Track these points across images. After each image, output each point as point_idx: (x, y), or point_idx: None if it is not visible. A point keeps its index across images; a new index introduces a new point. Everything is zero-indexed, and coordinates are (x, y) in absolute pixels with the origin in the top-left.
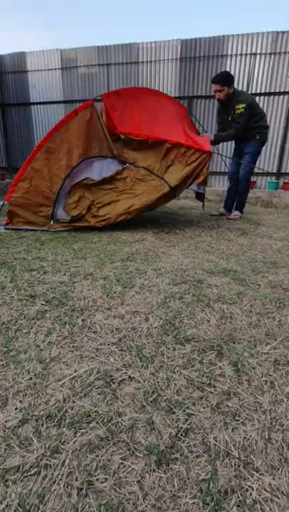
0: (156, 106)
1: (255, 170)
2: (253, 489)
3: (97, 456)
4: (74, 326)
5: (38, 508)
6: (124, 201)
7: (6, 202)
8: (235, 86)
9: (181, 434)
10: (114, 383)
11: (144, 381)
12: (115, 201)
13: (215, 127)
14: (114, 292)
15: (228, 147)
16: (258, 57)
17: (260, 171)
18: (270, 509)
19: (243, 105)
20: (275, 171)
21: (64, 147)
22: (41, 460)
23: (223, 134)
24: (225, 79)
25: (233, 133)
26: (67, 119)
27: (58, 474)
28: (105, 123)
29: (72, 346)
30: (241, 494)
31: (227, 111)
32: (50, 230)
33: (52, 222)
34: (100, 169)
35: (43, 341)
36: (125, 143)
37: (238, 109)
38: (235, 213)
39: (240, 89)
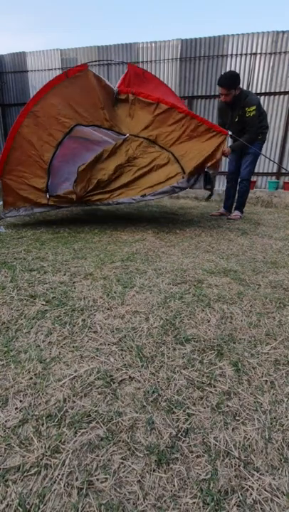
0: (168, 93)
1: (262, 170)
2: (253, 489)
3: (97, 456)
4: (74, 326)
5: (39, 508)
6: (126, 175)
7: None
8: None
9: (181, 434)
10: (114, 383)
11: (145, 381)
12: (119, 176)
13: None
14: (115, 292)
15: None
16: (258, 57)
17: (261, 171)
18: (270, 509)
19: (254, 107)
20: (275, 171)
21: (53, 112)
22: (41, 460)
23: (239, 143)
24: (232, 82)
25: (248, 137)
26: (56, 81)
27: (58, 474)
28: (118, 85)
29: (73, 346)
30: (241, 494)
31: (232, 112)
32: (50, 209)
33: (48, 196)
34: (97, 143)
35: (43, 341)
36: (128, 110)
37: (250, 111)
38: (236, 213)
39: None
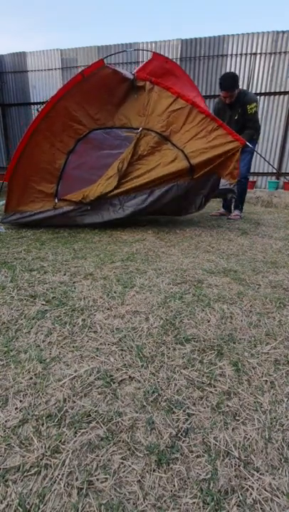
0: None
1: (262, 170)
2: (253, 489)
3: (97, 456)
4: (74, 325)
5: (39, 508)
6: (133, 173)
7: (5, 182)
8: None
9: (181, 434)
10: (114, 383)
11: (145, 381)
12: (130, 172)
13: None
14: (115, 292)
15: None
16: (258, 57)
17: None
18: (270, 509)
19: (255, 103)
20: (275, 170)
21: (67, 117)
22: (41, 460)
23: (245, 137)
24: (235, 83)
25: (251, 133)
26: (72, 83)
27: (58, 474)
28: (137, 70)
29: (73, 346)
30: (241, 494)
31: (232, 111)
32: (56, 213)
33: (56, 201)
34: (110, 148)
35: (44, 341)
36: (144, 100)
37: (252, 108)
38: (236, 213)
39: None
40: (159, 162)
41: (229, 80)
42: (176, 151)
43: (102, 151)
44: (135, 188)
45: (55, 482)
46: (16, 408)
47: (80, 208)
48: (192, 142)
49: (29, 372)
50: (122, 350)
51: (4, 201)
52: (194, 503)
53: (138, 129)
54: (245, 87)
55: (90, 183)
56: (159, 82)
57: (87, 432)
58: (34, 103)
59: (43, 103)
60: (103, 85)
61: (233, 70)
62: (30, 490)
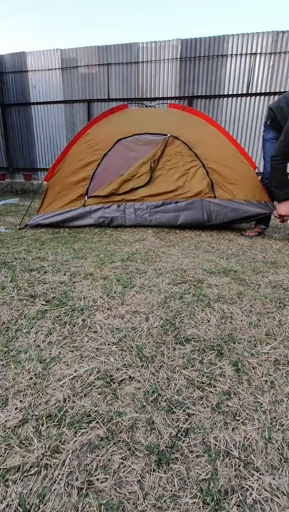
0: None
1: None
2: (253, 489)
3: (97, 456)
4: (74, 325)
5: (39, 508)
6: (158, 185)
7: (45, 182)
8: (235, 86)
9: (181, 434)
10: (114, 383)
11: (145, 381)
12: (159, 176)
13: None
14: (115, 292)
15: None
16: (258, 57)
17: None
18: (270, 509)
19: None
20: None
21: (102, 134)
22: (41, 460)
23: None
24: None
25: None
26: (104, 115)
27: (59, 474)
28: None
29: (73, 346)
30: (241, 494)
31: None
32: (85, 211)
33: (86, 198)
34: (136, 150)
35: (43, 341)
36: (177, 119)
37: None
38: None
39: (239, 89)
40: (183, 173)
41: None
42: (196, 161)
43: (128, 152)
44: (162, 194)
45: (55, 482)
46: (16, 408)
47: (108, 207)
48: (213, 156)
49: (29, 372)
50: (122, 350)
51: (4, 201)
52: (194, 503)
53: (166, 135)
54: (245, 87)
55: (116, 177)
56: (190, 109)
57: (87, 432)
58: (34, 103)
59: (43, 103)
60: (128, 115)
61: (233, 70)
62: (30, 490)
